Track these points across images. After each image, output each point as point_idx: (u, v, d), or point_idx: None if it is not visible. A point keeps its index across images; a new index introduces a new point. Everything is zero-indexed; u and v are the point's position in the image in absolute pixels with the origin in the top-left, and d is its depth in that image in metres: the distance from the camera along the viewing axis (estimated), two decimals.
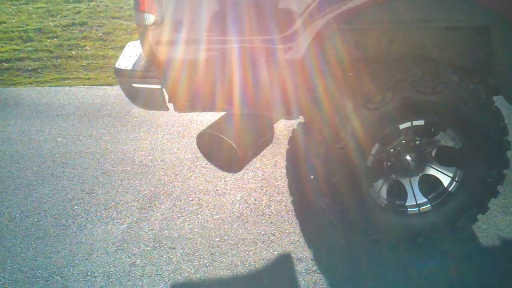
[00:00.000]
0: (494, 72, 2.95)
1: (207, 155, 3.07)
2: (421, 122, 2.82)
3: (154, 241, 3.18)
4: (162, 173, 3.95)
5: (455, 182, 2.95)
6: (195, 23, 2.64)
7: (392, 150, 2.96)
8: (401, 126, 2.81)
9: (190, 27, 2.65)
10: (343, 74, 2.89)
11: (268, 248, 3.10)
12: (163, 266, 2.97)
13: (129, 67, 2.87)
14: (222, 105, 2.83)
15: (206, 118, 4.79)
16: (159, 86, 2.76)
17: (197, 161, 4.11)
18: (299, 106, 2.84)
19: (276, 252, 3.07)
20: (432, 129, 2.92)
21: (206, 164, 4.04)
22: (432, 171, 3.01)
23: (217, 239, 3.19)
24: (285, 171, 3.95)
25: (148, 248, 3.12)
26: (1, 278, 2.91)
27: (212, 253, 3.07)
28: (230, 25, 2.64)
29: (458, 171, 2.94)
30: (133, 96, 2.90)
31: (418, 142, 2.97)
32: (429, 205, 3.00)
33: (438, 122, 2.82)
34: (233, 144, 2.86)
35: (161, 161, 4.14)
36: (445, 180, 2.99)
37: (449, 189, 2.97)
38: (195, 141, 3.06)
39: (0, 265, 3.01)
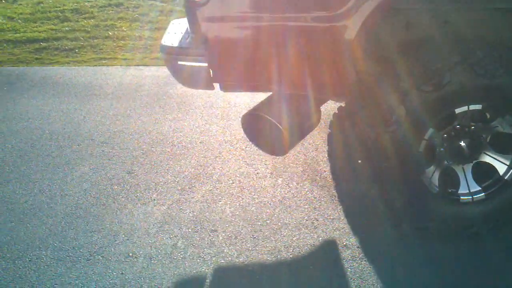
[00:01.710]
0: None
1: (252, 137, 2.99)
2: (479, 107, 2.69)
3: (195, 223, 3.12)
4: (202, 155, 3.89)
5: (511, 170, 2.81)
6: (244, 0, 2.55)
7: (445, 135, 2.82)
8: (457, 111, 2.68)
9: (239, 3, 2.56)
10: (397, 55, 2.75)
11: (312, 234, 3.02)
12: (205, 249, 2.91)
13: (175, 44, 2.78)
14: (269, 85, 2.74)
15: (245, 100, 4.73)
16: (205, 64, 2.67)
17: (236, 143, 4.04)
18: (349, 87, 2.73)
19: (320, 238, 2.98)
20: (488, 114, 2.78)
21: (246, 147, 3.96)
22: (487, 158, 2.88)
23: (259, 223, 3.12)
24: (326, 156, 3.83)
25: (190, 230, 3.06)
26: (43, 257, 2.89)
27: (254, 237, 3.00)
28: (281, 1, 2.54)
29: None
30: (179, 74, 2.83)
31: (473, 127, 2.83)
32: (483, 193, 2.87)
33: (497, 107, 2.68)
34: (279, 126, 2.77)
35: (200, 142, 4.07)
36: (501, 168, 2.85)
37: (505, 178, 2.83)
38: (240, 122, 2.98)
39: (42, 243, 2.99)
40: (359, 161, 2.97)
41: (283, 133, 2.77)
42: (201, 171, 3.68)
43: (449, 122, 2.78)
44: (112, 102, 4.86)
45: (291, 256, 2.86)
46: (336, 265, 2.80)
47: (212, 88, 2.77)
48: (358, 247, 2.91)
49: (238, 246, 2.93)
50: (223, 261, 2.83)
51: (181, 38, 2.85)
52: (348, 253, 2.87)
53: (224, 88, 2.78)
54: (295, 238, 2.99)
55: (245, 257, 2.85)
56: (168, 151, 3.96)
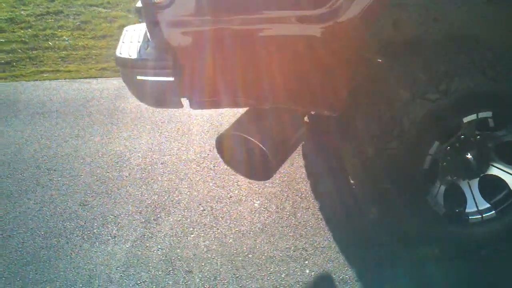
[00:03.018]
0: None
1: (229, 161, 2.57)
2: (489, 114, 2.36)
3: (166, 263, 2.67)
4: (165, 178, 3.43)
5: None
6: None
7: (448, 147, 2.48)
8: (465, 119, 2.34)
9: (210, 4, 2.13)
10: (394, 59, 2.40)
11: (302, 268, 2.62)
12: None
13: (134, 55, 2.33)
14: (249, 100, 2.33)
15: (207, 113, 4.30)
16: (171, 78, 2.23)
17: (203, 162, 3.60)
18: (340, 98, 2.36)
19: (313, 273, 2.59)
20: (496, 122, 2.46)
21: (214, 166, 3.53)
22: (494, 171, 2.55)
23: (240, 258, 2.70)
24: (304, 172, 3.46)
25: (160, 272, 2.61)
26: None
27: (237, 277, 2.58)
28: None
29: None
30: (140, 91, 2.37)
31: (478, 137, 2.50)
32: (493, 211, 2.54)
33: (508, 114, 2.36)
34: (262, 147, 2.36)
35: (161, 164, 3.61)
36: (511, 182, 2.53)
37: None
38: (215, 145, 2.56)
39: None
40: (352, 183, 2.61)
41: (267, 154, 2.37)
42: (166, 197, 3.22)
43: (452, 133, 2.44)
44: (57, 121, 4.32)
45: None
46: None
47: (181, 106, 2.33)
48: (357, 281, 2.53)
49: None
50: None
51: (139, 48, 2.40)
52: None
53: (195, 105, 2.35)
54: (283, 275, 2.59)
55: None
56: (126, 176, 3.48)
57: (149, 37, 2.32)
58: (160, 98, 2.31)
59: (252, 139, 2.39)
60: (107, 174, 3.51)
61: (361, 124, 2.40)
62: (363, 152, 2.39)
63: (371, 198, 2.48)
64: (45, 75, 5.57)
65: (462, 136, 2.47)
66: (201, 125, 4.17)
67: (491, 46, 2.30)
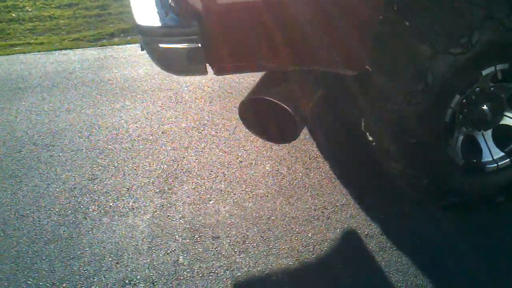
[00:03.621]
0: None
1: (253, 126, 2.57)
2: (505, 66, 2.43)
3: (192, 231, 2.68)
4: (169, 148, 3.40)
5: None
6: None
7: (464, 100, 2.55)
8: (484, 72, 2.41)
9: None
10: (413, 14, 2.42)
11: (327, 226, 2.67)
12: (214, 262, 2.48)
13: (157, 23, 2.27)
14: (273, 62, 2.32)
15: (197, 79, 4.26)
16: (198, 45, 2.19)
17: (203, 130, 3.58)
18: (360, 56, 2.38)
19: (338, 230, 2.65)
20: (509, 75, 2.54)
21: (217, 132, 3.53)
22: (507, 121, 2.65)
23: (264, 221, 2.73)
24: (307, 132, 3.48)
25: (188, 240, 2.62)
26: None
27: (265, 239, 2.61)
28: None
29: None
30: (165, 59, 2.31)
31: (492, 88, 2.57)
32: (508, 159, 2.64)
33: None
34: (287, 108, 2.37)
35: (162, 133, 3.57)
36: None
37: None
38: (238, 112, 2.54)
39: (11, 283, 2.42)
40: (372, 141, 2.65)
41: (293, 115, 2.38)
42: (175, 167, 3.20)
43: (470, 86, 2.50)
44: (43, 96, 4.19)
45: (314, 256, 2.50)
46: (368, 260, 2.48)
47: (206, 72, 2.29)
48: (382, 235, 2.60)
49: (250, 252, 2.53)
50: (239, 273, 2.42)
51: (159, 15, 2.33)
52: (374, 243, 2.56)
53: (219, 71, 2.33)
54: (310, 233, 2.63)
55: (263, 265, 2.46)
56: (129, 148, 3.43)
57: (170, 3, 2.26)
58: (186, 65, 2.27)
59: (277, 101, 2.39)
60: (109, 147, 3.45)
61: (382, 81, 2.43)
62: (385, 108, 2.43)
63: (393, 154, 2.53)
64: (16, 48, 5.36)
65: (478, 89, 2.54)
66: (193, 91, 4.13)
67: None
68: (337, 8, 2.22)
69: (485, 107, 2.56)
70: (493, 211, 2.67)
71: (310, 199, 2.87)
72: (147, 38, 2.29)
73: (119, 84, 4.32)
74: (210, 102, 3.93)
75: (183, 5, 2.14)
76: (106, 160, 3.30)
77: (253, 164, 3.19)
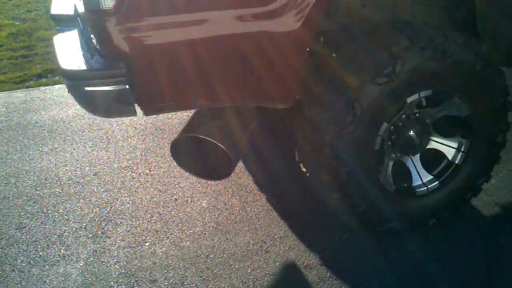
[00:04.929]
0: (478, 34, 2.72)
1: (185, 164, 2.53)
2: (429, 92, 2.52)
3: (128, 276, 2.58)
4: (102, 189, 3.30)
5: (461, 153, 2.69)
6: (166, 2, 2.09)
7: (392, 127, 2.61)
8: (409, 99, 2.49)
9: (161, 7, 2.08)
10: (338, 47, 2.48)
11: (266, 260, 2.65)
12: None
13: (82, 66, 2.21)
14: (206, 101, 2.31)
15: (129, 118, 4.15)
16: (125, 87, 2.15)
17: (137, 168, 3.50)
18: (291, 91, 2.41)
19: (277, 264, 2.63)
20: (433, 100, 2.63)
21: (150, 171, 3.46)
22: (433, 145, 2.74)
23: (202, 260, 2.67)
24: (243, 166, 3.47)
25: (124, 286, 2.52)
26: None
27: (204, 279, 2.55)
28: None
29: (464, 141, 2.68)
30: (91, 102, 2.24)
31: (417, 114, 2.65)
32: (437, 181, 2.72)
33: (446, 90, 2.53)
34: (220, 145, 2.36)
35: (93, 175, 3.47)
36: (449, 153, 2.73)
37: (455, 162, 2.71)
38: (170, 151, 2.50)
39: None
40: (305, 171, 2.67)
41: (227, 152, 2.37)
42: (108, 209, 3.10)
43: (396, 113, 2.57)
44: None
45: None
46: None
47: (135, 113, 2.24)
48: (321, 265, 2.60)
49: None
50: None
51: (84, 57, 2.27)
52: (314, 274, 2.55)
53: (149, 111, 2.29)
54: (249, 269, 2.60)
55: None
56: (59, 192, 3.30)
57: (95, 45, 2.21)
58: (114, 107, 2.21)
59: (209, 139, 2.37)
60: (38, 192, 3.30)
61: (313, 112, 2.46)
62: (317, 139, 2.45)
63: (328, 183, 2.55)
64: None
65: (403, 116, 2.61)
66: (125, 130, 4.04)
67: (421, 29, 2.44)
68: (264, 43, 2.24)
69: (411, 133, 2.63)
70: (424, 234, 2.73)
71: (248, 233, 2.84)
72: (73, 82, 2.22)
73: (47, 127, 4.18)
74: (143, 140, 3.86)
75: (109, 47, 2.09)
76: (35, 207, 3.16)
77: (189, 201, 3.13)
